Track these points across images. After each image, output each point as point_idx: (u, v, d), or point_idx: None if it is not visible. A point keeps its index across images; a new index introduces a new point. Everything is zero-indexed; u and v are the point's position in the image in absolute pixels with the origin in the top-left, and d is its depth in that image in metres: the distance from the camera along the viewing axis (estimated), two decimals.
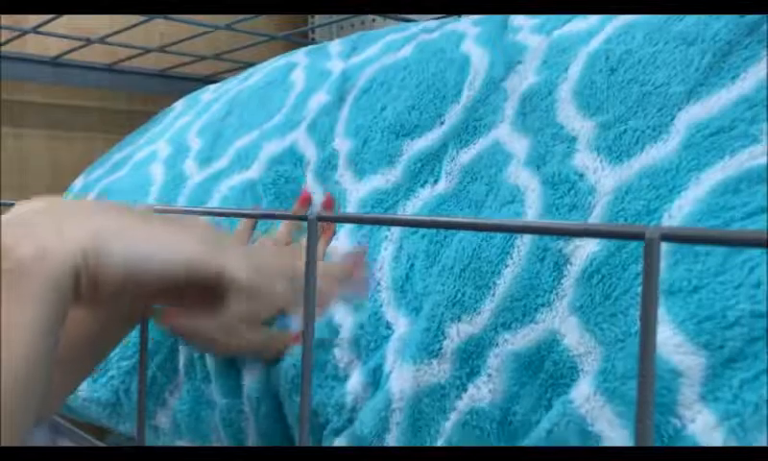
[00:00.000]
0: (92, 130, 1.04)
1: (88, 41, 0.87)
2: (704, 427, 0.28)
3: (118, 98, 1.04)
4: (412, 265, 0.43)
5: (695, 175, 0.33)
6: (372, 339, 0.42)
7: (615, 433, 0.30)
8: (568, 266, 0.34)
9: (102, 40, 0.86)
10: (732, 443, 0.27)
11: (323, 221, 0.31)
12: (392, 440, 0.39)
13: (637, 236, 0.19)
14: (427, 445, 0.37)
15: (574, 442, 0.31)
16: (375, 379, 0.42)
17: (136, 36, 0.91)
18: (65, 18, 0.87)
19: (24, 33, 0.84)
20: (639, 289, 0.31)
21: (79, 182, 0.79)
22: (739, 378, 0.27)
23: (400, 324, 0.42)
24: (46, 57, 0.93)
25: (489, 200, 0.41)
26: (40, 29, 0.80)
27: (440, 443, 0.37)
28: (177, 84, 0.99)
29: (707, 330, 0.29)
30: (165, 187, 0.62)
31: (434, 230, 0.43)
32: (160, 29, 0.98)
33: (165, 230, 0.33)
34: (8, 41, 0.86)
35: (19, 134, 0.98)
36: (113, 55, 0.96)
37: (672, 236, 0.19)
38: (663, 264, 0.31)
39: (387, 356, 0.41)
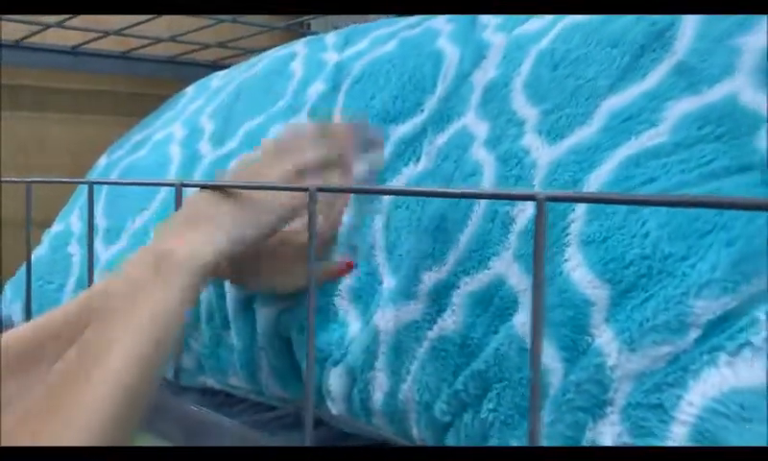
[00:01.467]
0: (106, 113, 1.12)
1: (105, 34, 0.96)
2: (606, 341, 0.37)
3: (130, 83, 1.13)
4: (398, 233, 0.52)
5: (610, 152, 0.42)
6: (367, 292, 0.52)
7: (545, 349, 0.39)
8: (513, 225, 0.44)
9: (118, 32, 0.95)
10: (624, 353, 0.37)
11: (321, 192, 0.41)
12: (379, 365, 0.48)
13: (531, 198, 0.29)
14: (405, 368, 0.47)
15: (515, 358, 0.41)
16: (367, 322, 0.52)
17: (147, 27, 0.99)
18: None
19: (48, 27, 0.93)
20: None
21: (102, 161, 0.88)
22: (631, 305, 0.37)
23: (388, 280, 0.52)
24: (66, 46, 1.01)
25: (456, 174, 0.51)
26: (64, 24, 0.89)
27: (414, 366, 0.46)
28: (185, 70, 1.08)
29: (610, 270, 0.38)
30: (183, 166, 0.72)
31: (414, 202, 0.52)
32: (168, 20, 1.07)
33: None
34: (32, 35, 0.95)
35: (42, 118, 1.07)
36: (126, 44, 1.04)
37: (556, 198, 0.29)
38: (583, 220, 0.41)
39: (377, 304, 0.51)
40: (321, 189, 0.39)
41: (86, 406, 0.36)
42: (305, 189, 0.40)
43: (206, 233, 0.45)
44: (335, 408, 0.52)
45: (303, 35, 1.13)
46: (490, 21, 0.59)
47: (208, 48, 1.07)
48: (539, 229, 0.28)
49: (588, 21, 0.50)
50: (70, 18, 0.88)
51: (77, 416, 0.36)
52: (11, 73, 1.00)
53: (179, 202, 0.50)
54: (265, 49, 0.85)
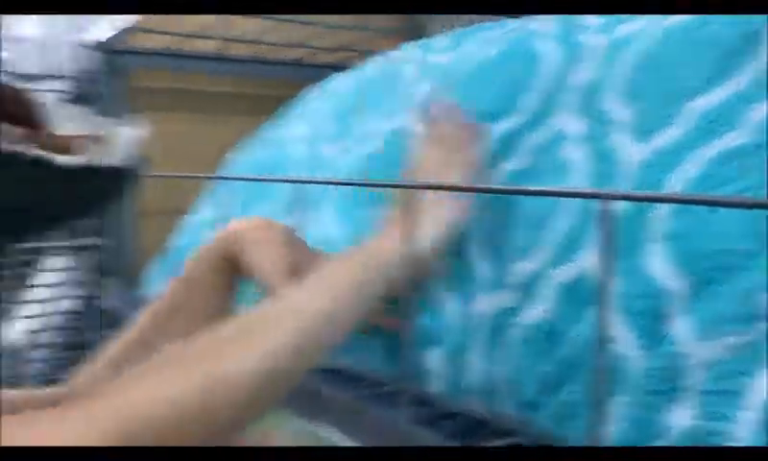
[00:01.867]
0: (239, 113, 1.22)
1: (240, 40, 1.05)
2: (682, 330, 0.40)
3: (259, 86, 1.22)
4: (492, 226, 0.56)
5: (695, 152, 0.44)
6: (465, 282, 0.56)
7: (625, 337, 0.42)
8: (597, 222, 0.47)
9: (251, 42, 1.04)
10: (698, 342, 0.39)
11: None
12: (474, 348, 0.53)
13: (597, 196, 0.32)
14: (497, 351, 0.51)
15: (595, 344, 0.44)
16: (464, 309, 0.56)
17: (275, 34, 1.08)
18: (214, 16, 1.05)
19: (188, 36, 1.04)
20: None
21: (234, 157, 0.97)
22: (706, 296, 0.39)
23: (483, 270, 0.56)
24: (201, 52, 1.12)
25: (549, 171, 0.54)
26: (202, 33, 0.99)
27: (505, 350, 0.50)
28: (309, 72, 1.16)
29: (689, 263, 0.41)
30: (306, 163, 0.79)
31: (508, 196, 0.56)
32: (292, 26, 1.15)
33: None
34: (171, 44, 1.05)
35: (171, 118, 1.19)
36: (255, 49, 1.14)
37: (621, 197, 0.32)
38: (666, 216, 0.43)
39: (474, 292, 0.55)
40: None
41: (273, 338, 0.42)
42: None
43: (414, 231, 0.51)
44: (435, 386, 0.57)
45: (419, 36, 1.17)
46: (591, 23, 0.62)
47: (330, 52, 1.14)
48: (604, 225, 0.32)
49: (685, 23, 0.52)
50: (206, 29, 0.98)
51: (266, 342, 0.42)
52: (151, 76, 1.12)
53: (296, 197, 0.56)
54: (382, 51, 0.90)
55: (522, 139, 0.59)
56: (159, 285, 0.92)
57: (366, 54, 1.11)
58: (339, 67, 1.09)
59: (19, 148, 0.41)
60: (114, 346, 0.59)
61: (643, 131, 0.48)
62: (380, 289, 0.50)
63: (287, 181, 0.69)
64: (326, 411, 0.66)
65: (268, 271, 0.56)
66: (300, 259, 0.57)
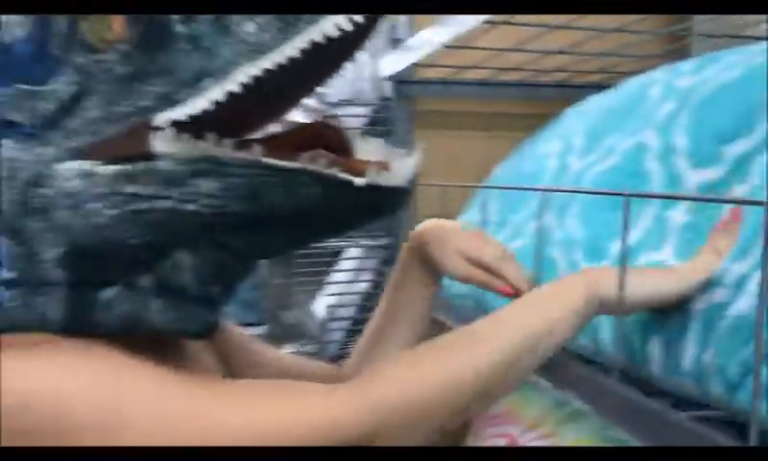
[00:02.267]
0: (507, 130, 1.37)
1: (508, 69, 1.20)
2: None
3: (526, 106, 1.36)
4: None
5: None
6: None
7: None
8: None
9: (518, 69, 1.18)
10: None
11: None
12: (690, 336, 0.61)
13: (759, 203, 0.41)
14: (708, 339, 0.58)
15: None
16: None
17: (540, 61, 1.20)
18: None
19: (462, 67, 1.21)
20: None
21: (499, 170, 1.12)
22: None
23: None
24: (475, 80, 1.29)
25: None
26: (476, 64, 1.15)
27: (714, 337, 0.58)
28: (571, 92, 1.27)
29: None
30: (554, 176, 0.91)
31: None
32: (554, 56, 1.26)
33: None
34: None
35: (448, 136, 1.38)
36: (521, 75, 1.27)
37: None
38: None
39: None
40: None
41: (498, 343, 0.58)
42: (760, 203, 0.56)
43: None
44: (655, 370, 0.66)
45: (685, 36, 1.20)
46: None
47: (592, 74, 1.24)
48: (766, 230, 0.40)
49: None
50: (480, 62, 1.14)
51: (495, 343, 0.57)
52: (432, 102, 1.32)
53: (542, 205, 0.69)
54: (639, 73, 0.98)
55: (754, 161, 0.65)
56: None
57: (625, 76, 1.19)
58: (601, 87, 1.18)
59: (329, 170, 0.54)
60: (365, 333, 0.79)
61: None
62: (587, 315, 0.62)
63: (535, 189, 0.82)
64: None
65: (438, 259, 0.74)
66: (468, 247, 0.73)
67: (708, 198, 0.63)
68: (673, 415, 0.59)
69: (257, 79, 0.52)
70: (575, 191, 0.72)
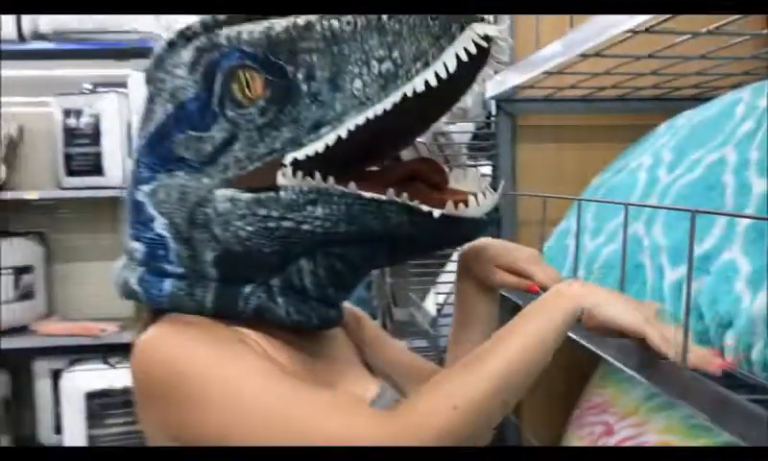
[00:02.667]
0: (608, 141, 1.46)
1: (605, 88, 1.29)
2: None
3: (626, 118, 1.44)
4: None
5: None
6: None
7: None
8: None
9: (615, 87, 1.27)
10: None
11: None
12: (757, 331, 0.70)
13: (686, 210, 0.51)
14: None
15: None
16: (752, 302, 0.73)
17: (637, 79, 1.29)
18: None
19: (561, 88, 1.31)
20: None
21: (596, 181, 1.22)
22: None
23: None
24: (575, 96, 1.39)
25: None
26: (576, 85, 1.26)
27: None
28: (670, 104, 1.34)
29: None
30: (645, 188, 1.00)
31: None
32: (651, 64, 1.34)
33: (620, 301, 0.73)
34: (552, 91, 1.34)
35: (550, 148, 1.48)
36: (621, 89, 1.36)
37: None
38: None
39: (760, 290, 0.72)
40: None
41: (493, 365, 0.67)
42: None
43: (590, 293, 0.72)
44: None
45: None
46: None
47: (683, 89, 1.31)
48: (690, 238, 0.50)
49: None
50: (582, 80, 1.24)
51: (489, 367, 0.67)
52: (534, 118, 1.44)
53: (625, 219, 0.80)
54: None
55: None
56: None
57: (720, 90, 1.25)
58: (696, 100, 1.25)
59: (411, 202, 0.67)
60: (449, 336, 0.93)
61: None
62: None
63: (618, 203, 0.92)
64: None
65: (477, 271, 0.88)
66: (499, 256, 0.85)
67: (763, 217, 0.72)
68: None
69: (361, 127, 0.67)
70: (648, 206, 0.82)
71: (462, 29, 0.64)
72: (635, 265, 0.93)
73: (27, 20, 2.76)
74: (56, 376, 2.92)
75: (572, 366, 1.30)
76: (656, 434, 1.06)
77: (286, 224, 0.71)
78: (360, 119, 0.68)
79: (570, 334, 0.98)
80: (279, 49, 0.70)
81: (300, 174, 0.70)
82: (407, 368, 0.92)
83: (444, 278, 1.62)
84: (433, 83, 0.65)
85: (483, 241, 0.89)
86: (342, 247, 0.73)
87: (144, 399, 0.72)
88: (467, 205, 0.71)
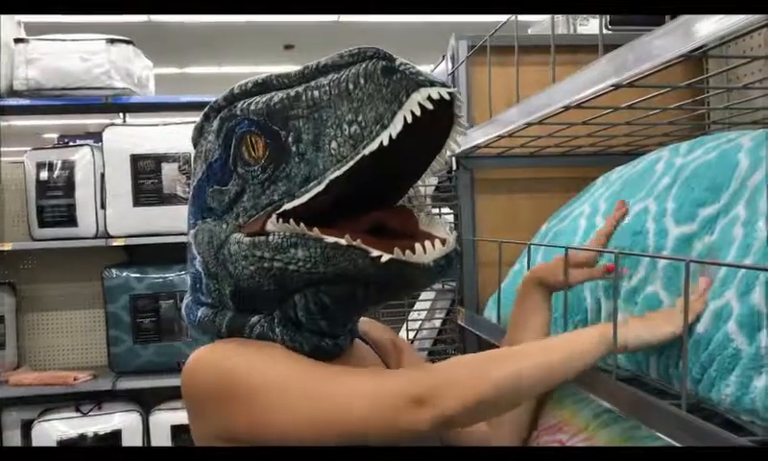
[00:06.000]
0: (553, 191, 1.64)
1: (550, 146, 1.48)
2: None
3: (569, 170, 1.63)
4: None
5: None
6: None
7: None
8: None
9: (558, 146, 1.46)
10: None
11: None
12: None
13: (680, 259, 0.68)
14: None
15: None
16: None
17: (575, 139, 1.48)
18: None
19: (511, 148, 1.49)
20: None
21: (544, 227, 1.40)
22: None
23: None
24: (523, 153, 1.58)
25: (735, 242, 0.86)
26: (525, 145, 1.44)
27: None
28: (604, 159, 1.53)
29: None
30: (584, 233, 1.18)
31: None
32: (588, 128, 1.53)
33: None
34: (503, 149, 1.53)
35: (502, 199, 1.65)
36: (562, 146, 1.55)
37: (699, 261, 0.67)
38: None
39: None
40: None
41: (527, 365, 0.82)
42: None
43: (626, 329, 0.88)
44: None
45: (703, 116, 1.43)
46: None
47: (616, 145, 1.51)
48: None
49: None
50: (536, 137, 1.43)
51: (526, 363, 0.82)
52: (490, 172, 1.62)
53: (566, 260, 0.97)
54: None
55: (719, 220, 0.91)
56: (492, 312, 1.37)
57: (648, 147, 1.45)
58: (631, 155, 1.43)
59: (362, 246, 0.77)
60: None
61: None
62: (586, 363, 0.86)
63: (561, 246, 1.09)
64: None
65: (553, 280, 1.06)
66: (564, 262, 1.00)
67: (739, 265, 0.85)
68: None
69: (336, 181, 0.78)
70: (583, 249, 0.99)
71: (408, 95, 0.75)
72: (578, 298, 1.10)
73: (2, 78, 2.86)
74: (26, 426, 2.95)
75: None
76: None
77: (277, 264, 0.84)
78: (337, 174, 0.79)
79: None
80: (276, 117, 0.83)
81: (281, 221, 0.83)
82: None
83: (413, 315, 1.78)
84: (386, 142, 0.75)
85: (544, 264, 1.07)
86: (326, 285, 0.84)
87: (194, 405, 0.84)
88: (414, 252, 0.78)
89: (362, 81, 0.77)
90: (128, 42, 2.98)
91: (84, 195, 2.92)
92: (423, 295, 1.76)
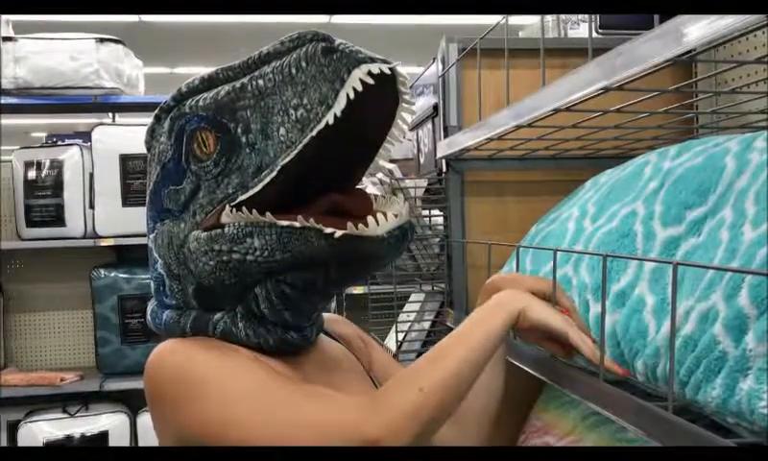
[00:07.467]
0: (542, 195, 1.64)
1: (540, 150, 1.48)
2: None
3: (559, 173, 1.64)
4: None
5: None
6: None
7: None
8: None
9: (549, 149, 1.47)
10: None
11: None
12: None
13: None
14: None
15: None
16: None
17: (568, 142, 1.48)
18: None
19: (501, 150, 1.50)
20: None
21: (533, 230, 1.40)
22: None
23: None
24: (513, 156, 1.58)
25: (721, 245, 0.86)
26: (513, 147, 1.45)
27: None
28: (594, 162, 1.54)
29: None
30: (573, 236, 1.18)
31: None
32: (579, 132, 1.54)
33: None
34: (495, 151, 1.53)
35: (492, 201, 1.66)
36: (553, 149, 1.55)
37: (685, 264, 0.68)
38: None
39: None
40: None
41: (451, 360, 0.83)
42: None
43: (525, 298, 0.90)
44: None
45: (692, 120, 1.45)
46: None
47: (604, 148, 1.52)
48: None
49: None
50: (526, 140, 1.43)
51: (448, 363, 0.83)
52: (479, 174, 1.62)
53: (554, 262, 0.97)
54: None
55: (706, 222, 0.92)
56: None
57: (637, 150, 1.46)
58: (623, 158, 1.44)
59: (315, 225, 0.77)
60: None
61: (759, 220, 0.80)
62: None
63: (549, 249, 1.09)
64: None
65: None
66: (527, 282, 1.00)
67: (726, 268, 0.85)
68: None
69: (287, 167, 0.78)
70: (572, 251, 0.99)
71: (349, 72, 0.75)
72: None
73: None
74: (12, 427, 2.93)
75: (516, 394, 1.46)
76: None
77: (235, 256, 0.83)
78: (287, 160, 0.79)
79: (515, 362, 1.15)
80: (224, 110, 0.84)
81: (234, 210, 0.83)
82: None
83: (402, 317, 1.78)
84: (331, 121, 0.75)
85: (506, 275, 1.06)
86: (285, 273, 0.84)
87: (152, 402, 0.85)
88: (366, 225, 0.79)
89: (303, 64, 0.78)
90: (117, 42, 2.97)
91: (73, 195, 2.92)
92: (413, 297, 1.76)
